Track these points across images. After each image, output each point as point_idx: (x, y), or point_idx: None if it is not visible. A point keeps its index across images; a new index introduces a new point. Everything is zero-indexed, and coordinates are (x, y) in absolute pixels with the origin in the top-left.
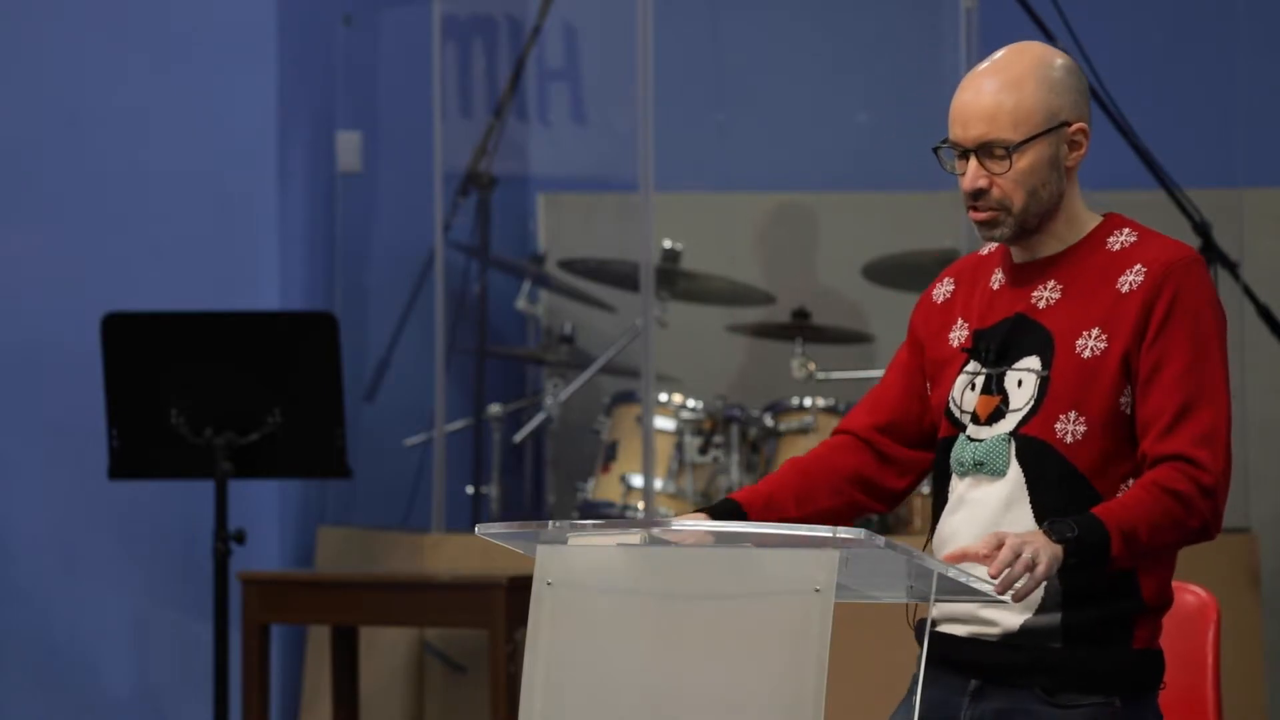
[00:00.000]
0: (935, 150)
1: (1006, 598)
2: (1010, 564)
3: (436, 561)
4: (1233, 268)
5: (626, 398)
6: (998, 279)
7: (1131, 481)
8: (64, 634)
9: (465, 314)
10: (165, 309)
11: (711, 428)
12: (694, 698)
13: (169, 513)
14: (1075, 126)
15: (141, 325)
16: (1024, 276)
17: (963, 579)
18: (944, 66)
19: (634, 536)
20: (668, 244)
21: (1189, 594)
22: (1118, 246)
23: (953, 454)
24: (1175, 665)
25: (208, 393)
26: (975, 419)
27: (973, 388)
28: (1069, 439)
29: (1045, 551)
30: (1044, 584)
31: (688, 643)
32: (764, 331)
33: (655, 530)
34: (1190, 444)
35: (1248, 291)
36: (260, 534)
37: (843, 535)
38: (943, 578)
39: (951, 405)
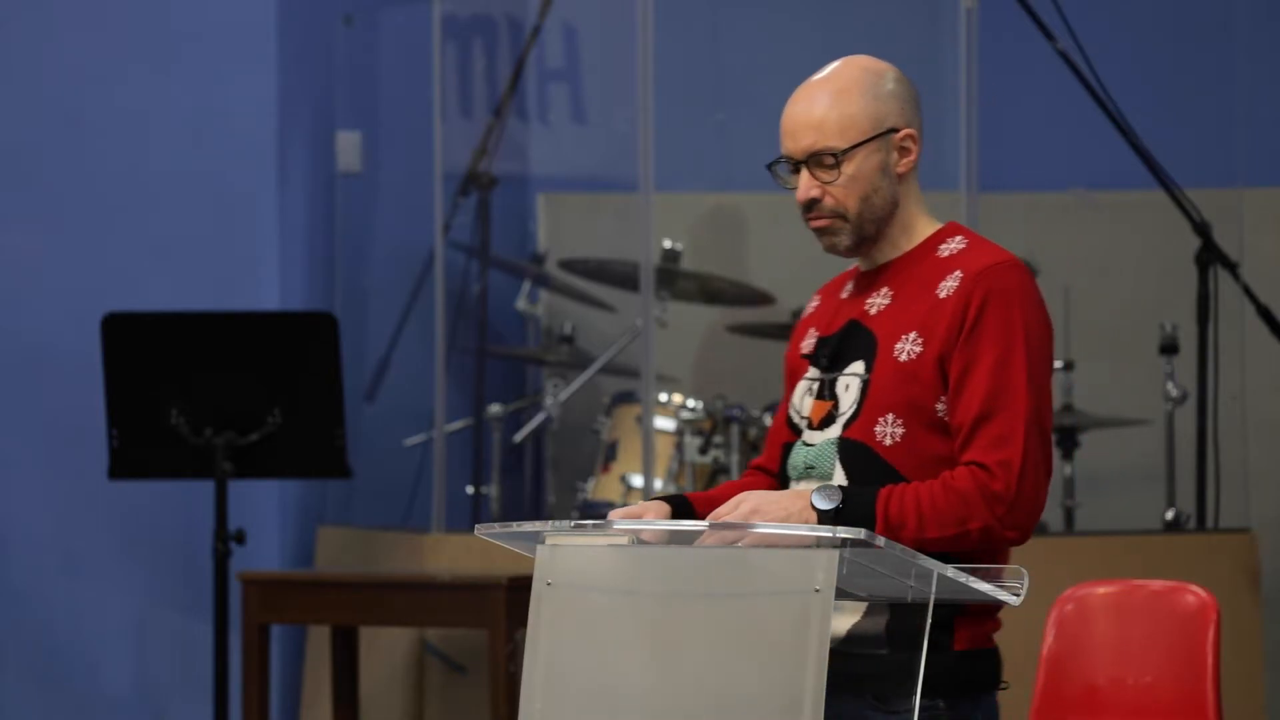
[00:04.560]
0: (770, 167)
1: (1012, 599)
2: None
3: (436, 561)
4: (1233, 268)
5: (626, 398)
6: (848, 289)
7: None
8: (64, 634)
9: (465, 314)
10: (165, 309)
11: (711, 428)
12: (694, 697)
13: (169, 513)
14: (903, 132)
15: (141, 325)
16: (863, 284)
17: (962, 579)
18: (944, 66)
19: (621, 538)
20: (668, 244)
21: (1189, 594)
22: (946, 254)
23: (790, 458)
24: (1175, 665)
25: (208, 392)
26: (810, 424)
27: (810, 393)
28: (888, 441)
29: (779, 512)
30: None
31: (688, 643)
32: (764, 331)
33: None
34: (983, 451)
35: (1248, 291)
36: (260, 534)
37: (843, 535)
38: (942, 578)
39: (792, 411)
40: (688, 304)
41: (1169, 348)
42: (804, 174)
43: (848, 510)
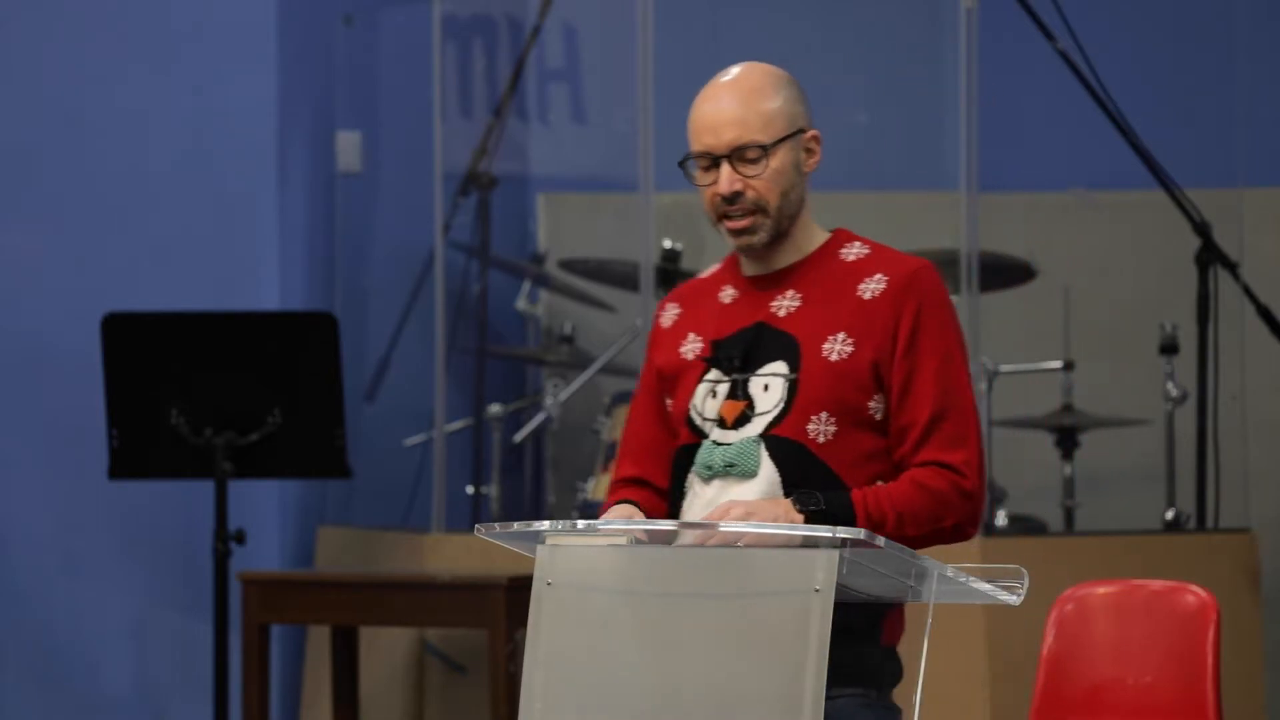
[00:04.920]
0: (681, 164)
1: (1012, 599)
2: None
3: (436, 561)
4: (1233, 268)
5: (626, 398)
6: (729, 294)
7: (882, 483)
8: (64, 634)
9: (465, 314)
10: (165, 309)
11: None
12: (694, 697)
13: (169, 513)
14: (810, 133)
15: (141, 325)
16: (761, 288)
17: (962, 579)
18: (944, 66)
19: (621, 538)
20: (668, 244)
21: (1189, 594)
22: (852, 257)
23: (698, 459)
24: (1175, 665)
25: (208, 392)
26: (721, 424)
27: (714, 395)
28: (821, 439)
29: (770, 515)
30: None
31: (688, 642)
32: None
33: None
34: (945, 450)
35: (1248, 291)
36: (260, 534)
37: (842, 535)
38: (942, 577)
39: (693, 413)
40: None
41: (1169, 348)
42: (726, 168)
43: (830, 512)
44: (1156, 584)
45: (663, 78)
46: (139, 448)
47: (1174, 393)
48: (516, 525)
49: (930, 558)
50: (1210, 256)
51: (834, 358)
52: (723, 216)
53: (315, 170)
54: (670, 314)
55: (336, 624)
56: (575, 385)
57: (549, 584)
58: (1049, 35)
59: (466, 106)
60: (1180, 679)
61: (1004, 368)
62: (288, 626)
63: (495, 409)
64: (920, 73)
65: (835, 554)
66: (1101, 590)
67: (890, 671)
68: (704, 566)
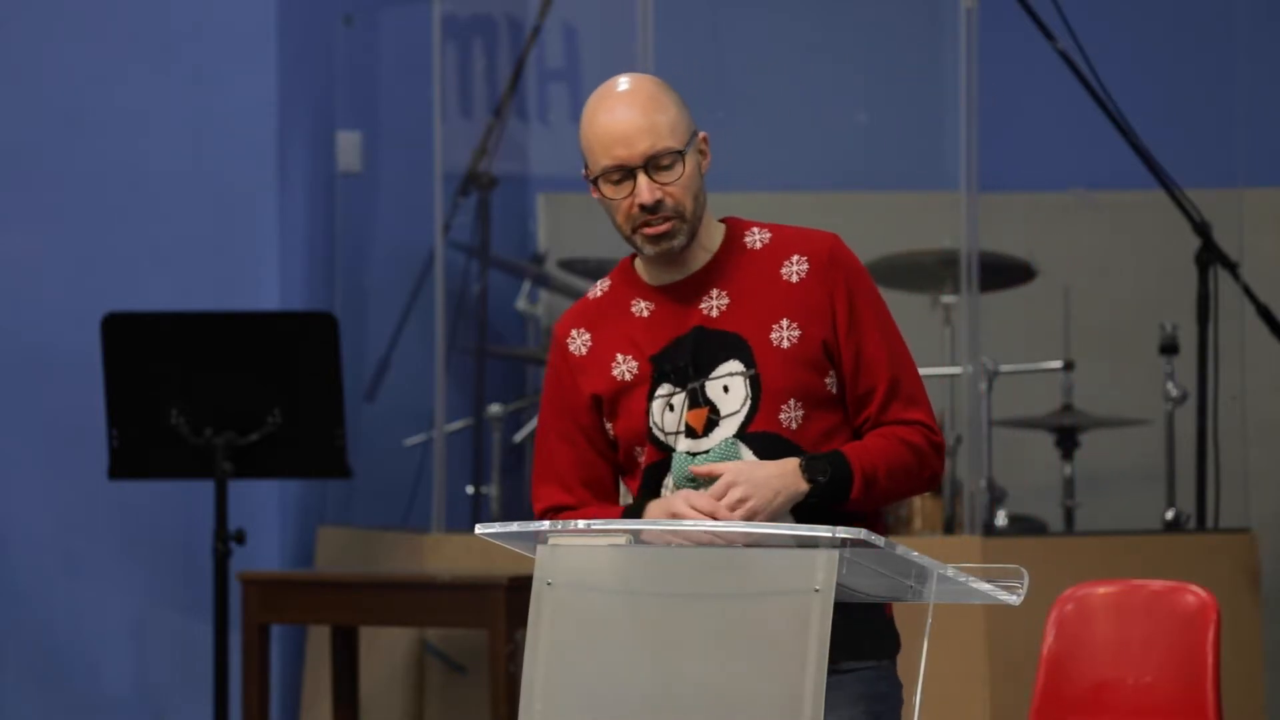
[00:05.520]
0: (593, 181)
1: (1012, 599)
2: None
3: (436, 561)
4: (1233, 268)
5: None
6: (643, 307)
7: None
8: (64, 634)
9: (465, 314)
10: (165, 309)
11: None
12: (694, 697)
13: (169, 513)
14: (703, 135)
15: (141, 325)
16: (682, 294)
17: (961, 579)
18: (944, 66)
19: (621, 538)
20: None
21: (1189, 594)
22: (758, 245)
23: (675, 472)
24: (1175, 665)
25: (208, 392)
26: (691, 433)
27: (670, 408)
28: (793, 425)
29: (769, 493)
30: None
31: (688, 643)
32: None
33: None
34: (909, 409)
35: (1248, 291)
36: (260, 534)
37: (842, 535)
38: (942, 577)
39: (654, 430)
40: None
41: (1169, 348)
42: (643, 178)
43: (832, 478)
44: (1156, 584)
45: (662, 78)
46: (139, 448)
47: (1174, 393)
48: (516, 525)
49: (930, 558)
50: (1210, 256)
51: (785, 345)
52: (639, 226)
53: (315, 170)
54: (580, 340)
55: (336, 624)
56: None
57: (549, 584)
58: (1049, 35)
59: (466, 106)
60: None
61: (1004, 368)
62: (288, 626)
63: (495, 409)
64: (920, 73)
65: (835, 554)
66: (1101, 590)
67: (892, 640)
68: (704, 566)
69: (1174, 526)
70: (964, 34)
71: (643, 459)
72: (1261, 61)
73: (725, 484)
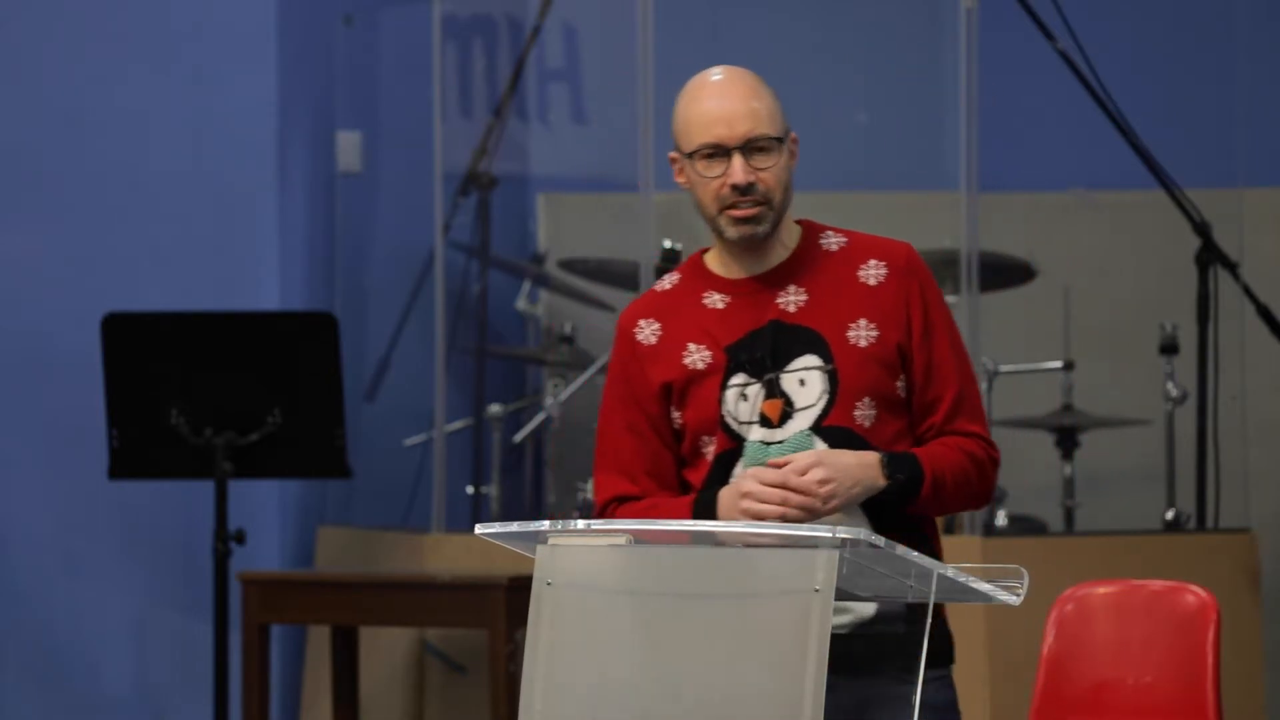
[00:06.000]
0: (689, 157)
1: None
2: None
3: (436, 561)
4: (1233, 268)
5: None
6: (717, 300)
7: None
8: (64, 634)
9: (465, 314)
10: (165, 309)
11: None
12: (694, 698)
13: (169, 513)
14: (794, 136)
15: (141, 325)
16: (759, 288)
17: (961, 579)
18: (944, 66)
19: (621, 538)
20: (668, 244)
21: (1189, 594)
22: (834, 247)
23: (746, 460)
24: (1175, 665)
25: (208, 392)
26: (766, 423)
27: (744, 398)
28: (866, 424)
29: (849, 482)
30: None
31: (688, 643)
32: None
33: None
34: (972, 421)
35: (1248, 291)
36: (260, 534)
37: (842, 535)
38: (942, 577)
39: (727, 419)
40: None
41: (1169, 348)
42: (738, 159)
43: (907, 478)
44: (1156, 584)
45: (663, 78)
46: (139, 448)
47: (1174, 393)
48: (516, 525)
49: (930, 558)
50: (1210, 256)
51: (863, 344)
52: (728, 207)
53: (315, 170)
54: (649, 330)
55: (336, 624)
56: (575, 385)
57: (549, 584)
58: (1049, 35)
59: (466, 106)
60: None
61: (1004, 368)
62: (288, 626)
63: (495, 409)
64: (920, 73)
65: (835, 554)
66: (1101, 590)
67: (951, 645)
68: (704, 566)
69: (1174, 526)
70: (964, 34)
71: (711, 448)
72: (1261, 61)
73: (809, 463)
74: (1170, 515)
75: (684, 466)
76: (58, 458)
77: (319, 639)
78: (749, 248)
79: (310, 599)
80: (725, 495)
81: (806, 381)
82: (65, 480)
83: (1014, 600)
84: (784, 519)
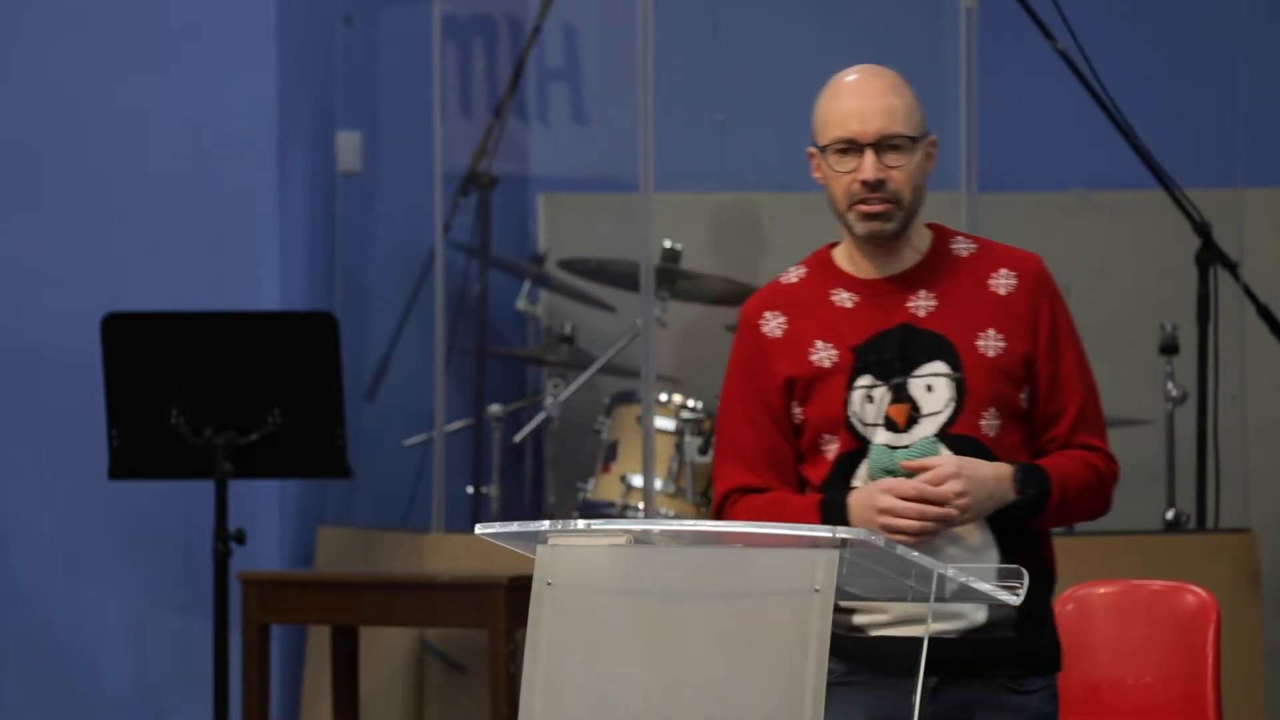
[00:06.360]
0: (822, 150)
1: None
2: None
3: (436, 561)
4: (1233, 268)
5: (626, 398)
6: (845, 298)
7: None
8: (64, 634)
9: (465, 314)
10: (165, 309)
11: (711, 428)
12: (694, 697)
13: (169, 513)
14: (932, 139)
15: (141, 325)
16: (889, 290)
17: (962, 579)
18: (944, 66)
19: (621, 538)
20: (668, 244)
21: (1189, 594)
22: (966, 253)
23: (874, 463)
24: (1175, 665)
25: (207, 393)
26: (891, 426)
27: (870, 399)
28: (992, 433)
29: (983, 493)
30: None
31: (688, 643)
32: None
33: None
34: (1095, 436)
35: (1248, 291)
36: (260, 534)
37: (842, 535)
38: (942, 578)
39: (852, 420)
40: (688, 304)
41: (1169, 348)
42: (870, 155)
43: (1038, 490)
44: (1156, 584)
45: (663, 78)
46: (139, 448)
47: (1174, 393)
48: (516, 525)
49: (930, 558)
50: (1210, 256)
51: (991, 354)
52: (857, 202)
53: (315, 170)
54: (776, 322)
55: (336, 624)
56: (575, 385)
57: (549, 584)
58: (1049, 35)
59: (466, 106)
60: (1180, 679)
61: None
62: (288, 626)
63: (495, 409)
64: (920, 73)
65: (835, 554)
66: (1101, 590)
67: (1060, 652)
68: (704, 566)
69: (1174, 526)
70: (964, 34)
71: (834, 447)
72: (1261, 61)
73: (948, 473)
74: (1170, 515)
75: (803, 462)
76: (58, 458)
77: (319, 639)
78: (879, 247)
79: (310, 599)
80: (857, 502)
81: (934, 388)
82: (65, 480)
83: (1014, 600)
84: (921, 533)
